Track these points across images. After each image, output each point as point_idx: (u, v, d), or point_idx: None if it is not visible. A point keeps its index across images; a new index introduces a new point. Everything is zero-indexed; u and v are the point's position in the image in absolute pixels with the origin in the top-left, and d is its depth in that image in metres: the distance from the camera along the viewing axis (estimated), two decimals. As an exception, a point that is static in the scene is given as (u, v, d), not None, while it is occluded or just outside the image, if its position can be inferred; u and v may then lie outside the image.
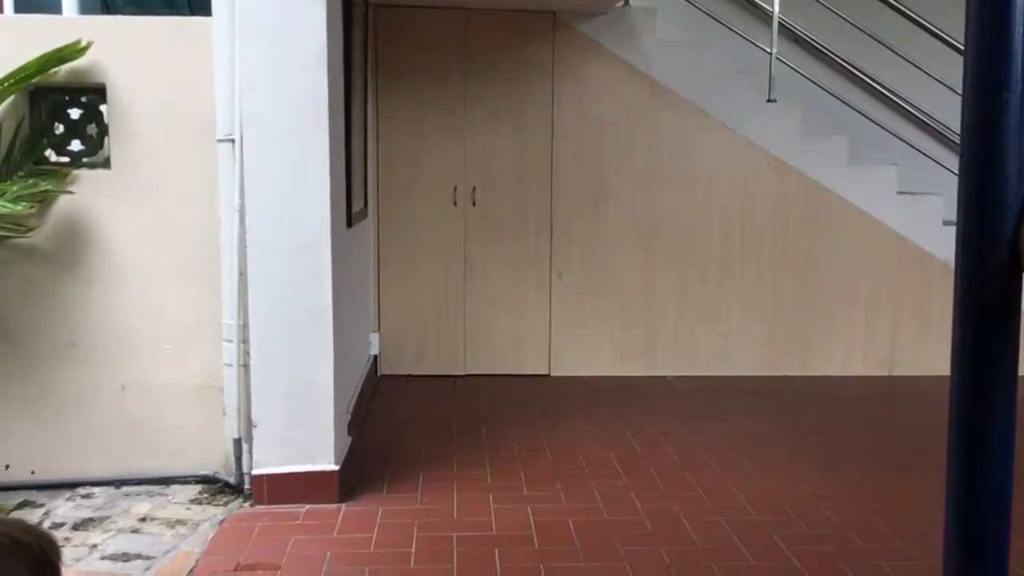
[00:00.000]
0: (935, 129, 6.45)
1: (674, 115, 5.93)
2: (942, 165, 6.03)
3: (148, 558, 3.30)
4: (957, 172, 1.14)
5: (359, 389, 4.97)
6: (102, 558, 3.30)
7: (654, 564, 3.32)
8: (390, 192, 5.91)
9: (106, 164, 3.89)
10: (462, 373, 6.07)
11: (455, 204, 5.95)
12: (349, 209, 4.43)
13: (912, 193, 6.06)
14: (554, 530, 3.61)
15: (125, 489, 3.93)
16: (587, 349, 6.09)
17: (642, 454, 4.54)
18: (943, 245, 5.91)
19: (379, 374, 5.99)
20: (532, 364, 6.09)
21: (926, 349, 6.02)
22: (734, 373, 6.05)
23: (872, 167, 6.02)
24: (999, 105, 1.19)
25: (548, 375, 6.09)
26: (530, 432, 4.87)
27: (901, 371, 6.10)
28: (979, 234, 1.23)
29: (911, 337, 6.09)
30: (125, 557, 3.31)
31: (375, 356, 5.93)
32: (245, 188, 3.75)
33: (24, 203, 3.55)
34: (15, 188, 3.60)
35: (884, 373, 6.12)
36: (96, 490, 3.90)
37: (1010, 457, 1.21)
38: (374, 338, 5.93)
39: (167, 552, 3.36)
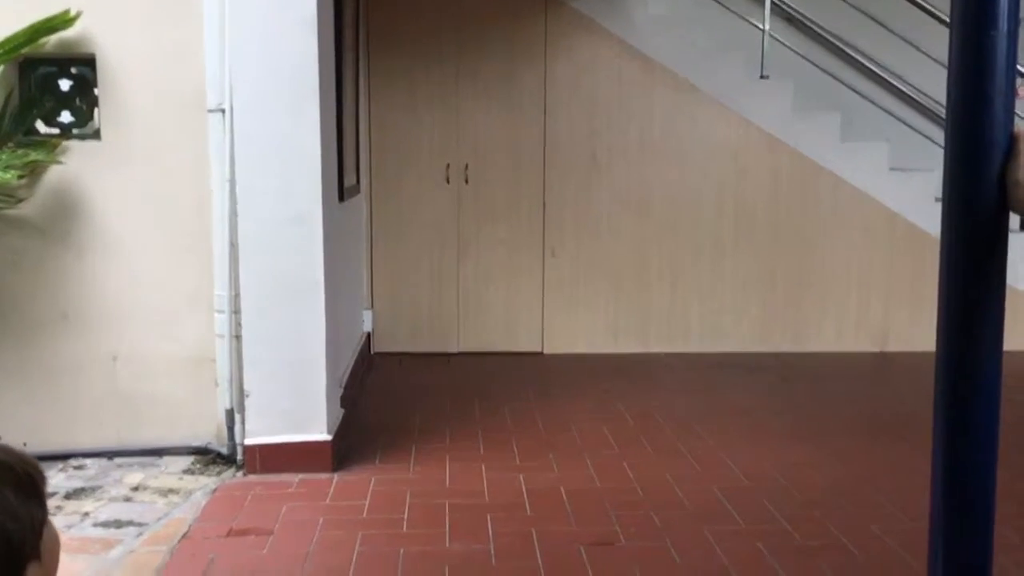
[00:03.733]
0: (927, 107, 6.45)
1: (667, 91, 5.93)
2: (934, 142, 6.04)
3: (141, 525, 3.31)
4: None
5: (352, 364, 4.97)
6: (94, 525, 3.31)
7: (645, 527, 3.33)
8: (383, 169, 5.91)
9: (96, 135, 3.88)
10: (456, 351, 6.07)
11: (448, 182, 5.95)
12: (341, 183, 4.43)
13: (904, 170, 6.06)
14: (546, 497, 3.62)
15: (118, 460, 3.93)
16: (580, 327, 6.10)
17: (635, 426, 4.56)
18: (935, 221, 5.88)
19: (372, 352, 5.99)
20: (526, 342, 6.10)
21: (918, 325, 6.04)
22: (727, 350, 6.07)
23: (864, 143, 6.02)
24: (986, 44, 1.20)
25: (541, 353, 6.10)
26: (523, 407, 4.88)
27: (893, 347, 6.12)
28: (967, 173, 1.24)
29: (903, 313, 6.11)
30: (117, 524, 3.31)
31: (368, 334, 5.94)
32: (236, 158, 3.74)
33: (13, 172, 3.54)
34: (4, 158, 3.59)
35: (876, 349, 6.14)
36: (88, 461, 3.90)
37: (996, 406, 1.22)
38: (367, 316, 5.94)
39: (160, 519, 3.36)
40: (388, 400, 5.05)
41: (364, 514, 3.44)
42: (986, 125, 1.20)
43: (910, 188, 6.03)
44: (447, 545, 3.18)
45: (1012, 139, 1.19)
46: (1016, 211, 1.20)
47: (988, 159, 1.20)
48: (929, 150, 6.03)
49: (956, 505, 1.23)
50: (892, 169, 6.03)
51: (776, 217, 6.05)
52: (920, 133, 6.25)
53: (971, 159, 1.22)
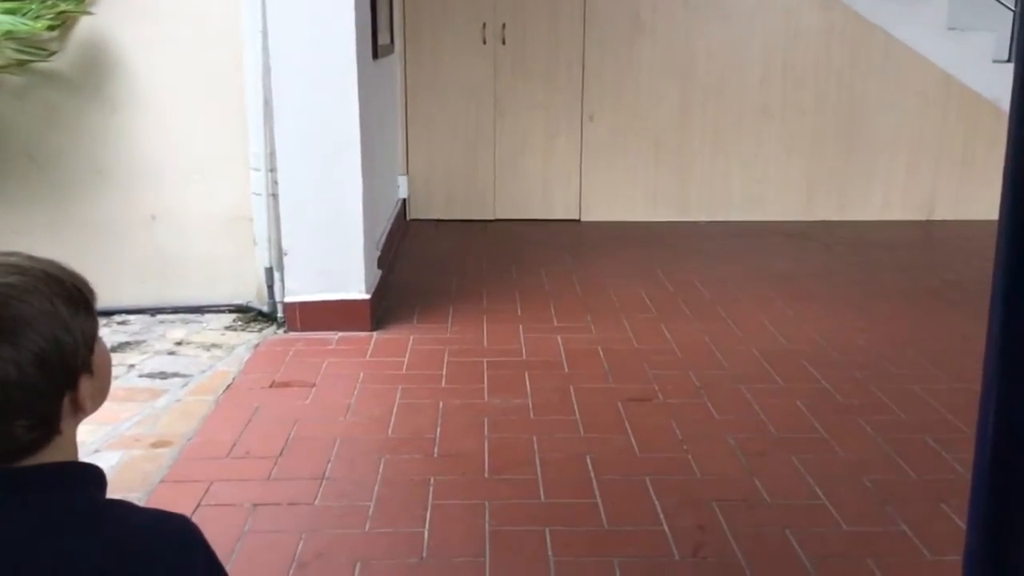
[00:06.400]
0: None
1: (714, -55, 5.63)
2: (997, -1, 5.72)
3: (186, 376, 3.37)
4: (1011, 6, 1.02)
5: (388, 228, 4.94)
6: (140, 376, 3.37)
7: (683, 386, 3.33)
8: (417, 29, 5.73)
9: (125, -15, 3.77)
10: (491, 218, 6.02)
11: (484, 42, 5.76)
12: (375, 40, 4.29)
13: (962, 29, 5.76)
14: (584, 357, 3.62)
15: (160, 317, 3.98)
16: (619, 194, 6.00)
17: (673, 291, 4.52)
18: (992, 84, 5.66)
19: (408, 218, 5.96)
20: (563, 209, 6.03)
21: (967, 192, 5.87)
22: (769, 218, 5.95)
23: (922, 1, 5.72)
24: None
25: (579, 220, 6.03)
26: (560, 271, 4.85)
27: (940, 215, 5.97)
28: None
29: (953, 180, 5.93)
30: (163, 375, 3.37)
31: (404, 200, 5.89)
32: (267, 10, 3.62)
33: (43, 22, 3.46)
34: (34, 7, 3.51)
35: (923, 217, 5.99)
36: (131, 317, 3.95)
37: None
38: (402, 181, 5.88)
39: (204, 371, 3.42)
40: (424, 265, 5.04)
41: (403, 370, 3.47)
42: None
43: (967, 48, 5.75)
44: (486, 399, 3.20)
45: None
46: None
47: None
48: (990, 7, 5.71)
49: (1010, 367, 1.17)
50: (950, 28, 5.74)
51: (826, 80, 5.82)
52: (982, -11, 5.92)
53: None
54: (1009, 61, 5.58)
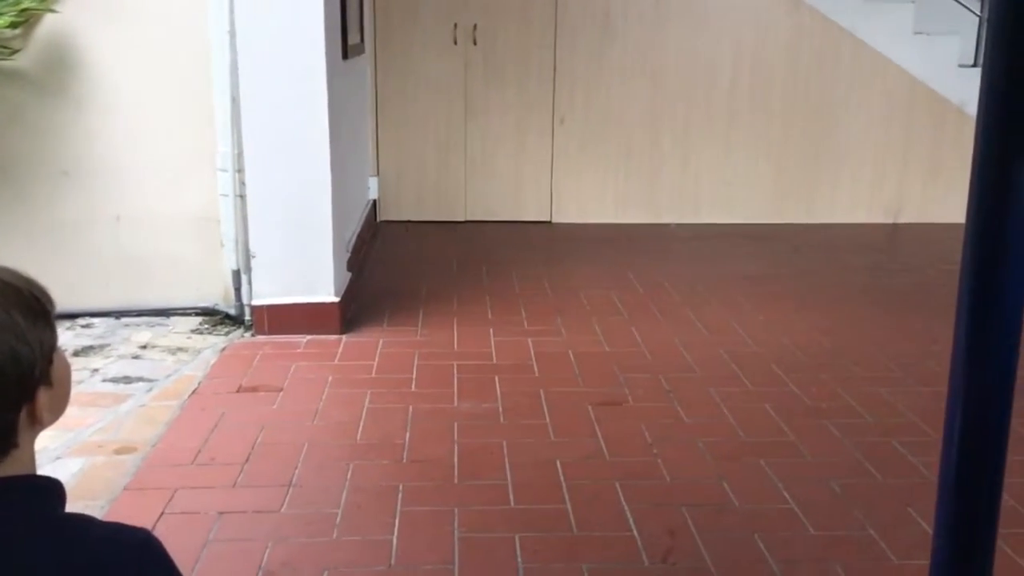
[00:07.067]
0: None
1: (685, -52, 5.66)
2: (962, 3, 5.78)
3: (150, 381, 3.32)
4: (976, 12, 1.03)
5: (358, 229, 4.91)
6: (104, 380, 3.32)
7: (653, 389, 3.34)
8: (388, 29, 5.70)
9: (89, -17, 3.71)
10: (462, 219, 6.00)
11: (455, 43, 5.74)
12: (345, 40, 4.26)
13: (929, 34, 5.83)
14: (554, 360, 3.62)
15: (125, 320, 3.92)
16: (589, 196, 6.00)
17: (644, 294, 4.52)
18: (958, 88, 5.73)
19: (378, 220, 5.92)
20: (534, 211, 6.02)
21: (933, 196, 5.93)
22: (738, 220, 5.99)
23: (889, 4, 5.77)
24: None
25: (550, 222, 6.03)
26: (531, 273, 4.84)
27: (907, 219, 6.04)
28: (1012, 32, 1.12)
29: (919, 184, 5.99)
30: (127, 380, 3.32)
31: (374, 201, 5.85)
32: (235, 10, 3.58)
33: (5, 19, 3.40)
34: (-5, 4, 3.44)
35: (890, 220, 6.05)
36: (95, 320, 3.89)
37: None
38: (373, 182, 5.84)
39: (169, 376, 3.37)
40: (395, 266, 5.01)
41: (372, 374, 3.44)
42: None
43: (934, 53, 5.81)
44: (455, 404, 3.19)
45: None
46: None
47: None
48: (956, 13, 5.78)
49: (976, 371, 1.17)
50: (917, 33, 5.80)
51: (794, 83, 5.86)
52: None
53: (1017, 15, 1.10)
54: (975, 66, 5.65)
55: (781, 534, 2.40)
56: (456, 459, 2.77)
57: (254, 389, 3.27)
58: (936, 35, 5.81)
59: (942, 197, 5.91)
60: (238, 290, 3.88)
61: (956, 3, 5.83)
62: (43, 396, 1.00)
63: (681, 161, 5.96)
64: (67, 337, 3.71)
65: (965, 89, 5.63)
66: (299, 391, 3.26)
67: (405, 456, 2.79)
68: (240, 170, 3.74)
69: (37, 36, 3.68)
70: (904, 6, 5.78)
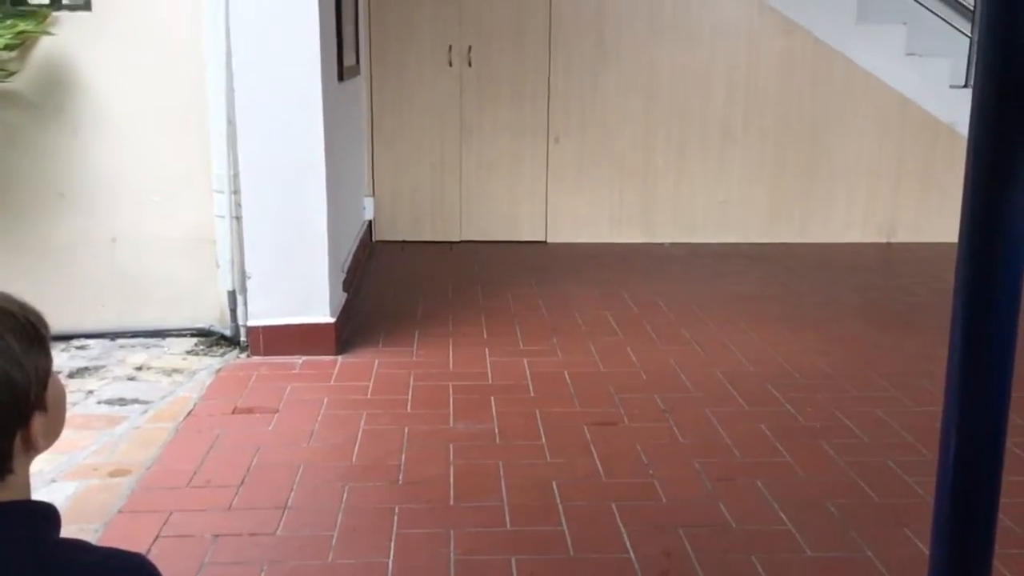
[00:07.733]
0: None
1: (678, -30, 5.70)
2: (952, 26, 5.83)
3: (145, 402, 3.31)
4: (967, 33, 1.04)
5: (354, 250, 4.92)
6: (99, 402, 3.31)
7: (649, 409, 3.34)
8: (383, 51, 5.73)
9: (87, 5, 3.72)
10: (458, 239, 6.01)
11: (450, 64, 5.77)
12: (340, 62, 4.28)
13: (921, 55, 5.88)
14: (550, 380, 3.62)
15: (120, 341, 3.91)
16: (584, 216, 6.02)
17: (638, 313, 4.53)
18: (949, 108, 5.77)
19: (374, 240, 5.93)
20: (529, 231, 6.04)
21: (926, 215, 5.96)
22: (732, 240, 6.01)
23: (881, 26, 5.82)
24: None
25: (545, 242, 6.04)
26: (527, 293, 4.85)
27: (900, 238, 6.06)
28: (1002, 49, 1.13)
29: (912, 202, 6.02)
30: (122, 402, 3.32)
31: (370, 222, 5.87)
32: (231, 32, 3.60)
33: (2, 41, 3.41)
34: (-8, 28, 3.46)
35: (883, 239, 6.07)
36: (90, 342, 3.88)
37: (1017, 290, 1.15)
38: (368, 203, 5.85)
39: (164, 397, 3.36)
40: (390, 287, 5.02)
41: (368, 395, 3.44)
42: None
43: (925, 74, 5.86)
44: (451, 425, 3.18)
45: None
46: None
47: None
48: (947, 34, 5.84)
49: (971, 390, 1.18)
50: (908, 54, 5.85)
51: (787, 104, 5.89)
52: (938, 16, 6.03)
53: (1007, 37, 1.11)
54: (966, 86, 5.69)
55: (778, 555, 2.39)
56: (452, 480, 2.77)
57: (249, 410, 3.26)
58: (928, 56, 5.86)
59: (936, 216, 5.93)
60: (234, 311, 3.88)
61: (947, 25, 5.90)
62: (38, 421, 1.00)
63: (675, 180, 5.99)
64: (62, 359, 3.70)
65: (957, 109, 5.67)
66: (294, 412, 3.25)
67: (401, 478, 2.78)
68: (236, 191, 3.75)
69: (34, 58, 3.70)
70: (896, 27, 5.82)
